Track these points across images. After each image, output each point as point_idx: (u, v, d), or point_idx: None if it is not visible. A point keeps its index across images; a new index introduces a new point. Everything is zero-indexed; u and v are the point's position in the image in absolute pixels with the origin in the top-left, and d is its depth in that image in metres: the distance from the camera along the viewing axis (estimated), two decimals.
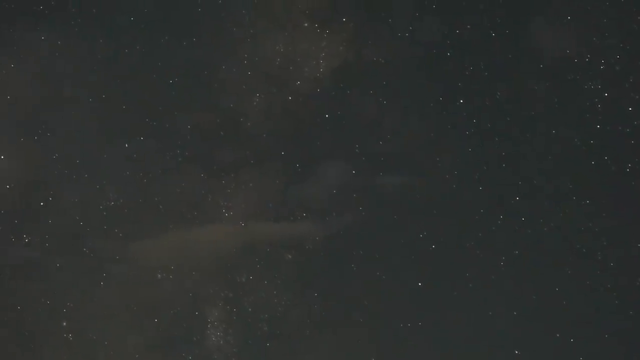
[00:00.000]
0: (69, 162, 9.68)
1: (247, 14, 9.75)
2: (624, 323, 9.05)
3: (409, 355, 9.51)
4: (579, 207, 9.34)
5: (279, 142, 9.85)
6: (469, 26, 9.66)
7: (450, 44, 9.68)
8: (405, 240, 9.64)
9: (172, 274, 9.69)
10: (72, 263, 9.64)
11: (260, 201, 9.84)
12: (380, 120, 9.80)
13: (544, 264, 9.36)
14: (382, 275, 9.63)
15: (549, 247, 9.36)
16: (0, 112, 9.58)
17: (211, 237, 9.74)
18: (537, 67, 9.54)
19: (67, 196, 9.66)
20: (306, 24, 9.77)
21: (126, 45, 9.74)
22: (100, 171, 9.74)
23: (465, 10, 9.66)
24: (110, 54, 9.74)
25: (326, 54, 9.77)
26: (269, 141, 9.85)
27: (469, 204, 9.57)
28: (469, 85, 9.65)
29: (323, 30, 9.76)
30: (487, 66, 9.62)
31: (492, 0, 9.68)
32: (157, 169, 9.82)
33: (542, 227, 9.37)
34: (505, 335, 9.33)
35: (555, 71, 9.52)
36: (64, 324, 9.51)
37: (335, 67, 9.78)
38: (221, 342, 9.65)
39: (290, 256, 9.74)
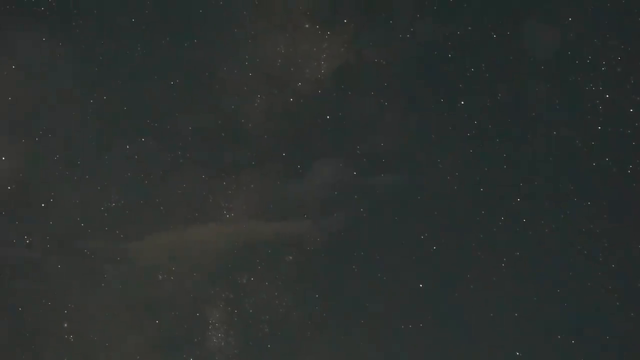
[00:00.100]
0: (70, 163, 9.69)
1: (248, 15, 9.77)
2: (624, 324, 9.06)
3: (409, 356, 9.52)
4: (580, 209, 9.34)
5: (280, 143, 9.86)
6: (469, 27, 9.67)
7: (451, 45, 9.69)
8: (406, 241, 9.65)
9: (173, 275, 9.70)
10: (73, 264, 9.65)
11: (261, 202, 9.86)
12: (381, 121, 9.81)
13: (544, 265, 9.37)
14: (383, 276, 9.64)
15: (549, 248, 9.37)
16: (1, 112, 9.58)
17: (212, 238, 9.74)
18: (538, 68, 9.55)
19: (68, 197, 9.65)
20: (307, 25, 9.78)
21: (127, 47, 9.75)
22: (101, 172, 9.75)
23: (466, 12, 9.66)
24: (111, 55, 9.74)
25: (327, 55, 9.78)
26: (270, 142, 9.87)
27: (470, 205, 9.58)
28: (470, 86, 9.66)
29: (324, 31, 9.78)
30: (488, 67, 9.63)
31: (493, 1, 9.69)
32: (158, 169, 9.83)
33: (543, 228, 9.39)
34: (506, 336, 9.34)
35: (556, 72, 9.52)
36: (65, 324, 9.52)
37: (336, 68, 9.81)
38: (222, 343, 9.66)
39: (291, 257, 9.75)
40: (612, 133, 9.29)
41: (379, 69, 9.77)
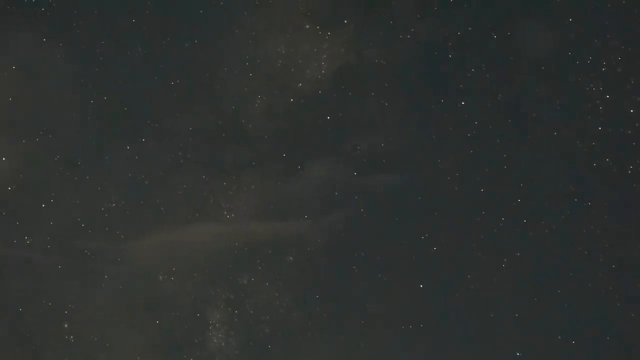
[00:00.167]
0: (70, 164, 9.67)
1: (248, 16, 9.76)
2: (625, 325, 9.07)
3: (410, 357, 9.52)
4: (580, 209, 9.35)
5: (281, 144, 9.85)
6: (470, 28, 9.67)
7: (452, 45, 9.69)
8: (407, 242, 9.65)
9: (174, 275, 9.69)
10: (73, 264, 9.63)
11: (262, 203, 9.85)
12: (382, 121, 9.81)
13: (545, 266, 9.37)
14: (383, 277, 9.64)
15: (550, 248, 9.37)
16: (1, 112, 9.57)
17: (213, 239, 9.74)
18: (538, 68, 9.55)
19: (68, 197, 9.65)
20: (307, 26, 9.77)
21: (127, 47, 9.74)
22: (102, 172, 9.74)
23: (466, 12, 9.66)
24: (112, 55, 9.73)
25: (327, 56, 9.78)
26: (270, 142, 9.86)
27: (471, 205, 9.58)
28: (470, 86, 9.66)
29: (324, 32, 9.77)
30: (489, 68, 9.63)
31: (493, 1, 9.69)
32: (159, 170, 9.82)
33: (543, 229, 9.38)
34: (506, 336, 9.34)
35: (556, 73, 9.53)
36: (65, 325, 9.51)
37: (336, 68, 9.80)
38: (222, 344, 9.66)
39: (291, 258, 9.75)
40: (613, 134, 9.30)
41: (379, 70, 9.77)
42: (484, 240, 9.49)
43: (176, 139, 9.77)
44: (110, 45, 9.76)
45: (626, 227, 9.20)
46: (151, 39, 9.75)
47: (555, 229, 9.36)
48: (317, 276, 9.80)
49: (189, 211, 9.77)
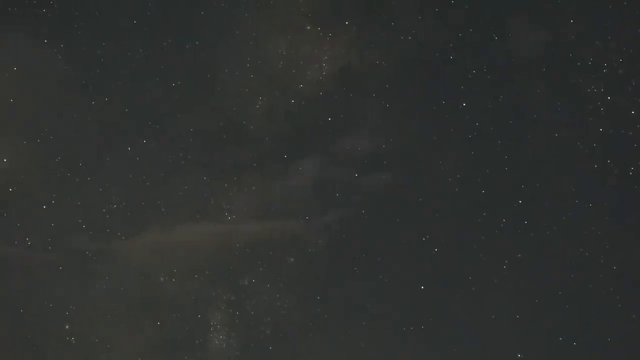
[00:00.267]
0: (71, 165, 9.69)
1: (249, 17, 9.77)
2: (626, 326, 9.07)
3: (410, 358, 9.52)
4: (581, 210, 9.34)
5: (282, 145, 9.87)
6: (471, 29, 9.67)
7: (453, 46, 9.69)
8: (408, 243, 9.65)
9: (174, 276, 9.70)
10: (74, 265, 9.65)
11: (263, 203, 9.85)
12: (383, 122, 9.81)
13: (546, 267, 9.37)
14: (384, 278, 9.64)
15: (551, 250, 9.37)
16: (2, 114, 9.58)
17: (213, 240, 9.75)
18: (539, 69, 9.55)
19: (69, 198, 9.66)
20: (308, 27, 9.78)
21: (129, 48, 9.75)
22: (103, 174, 9.75)
23: (467, 13, 9.66)
24: (113, 57, 9.74)
25: (329, 57, 9.78)
26: (271, 143, 9.87)
27: (471, 206, 9.58)
28: (471, 87, 9.66)
29: (325, 33, 9.77)
30: (490, 69, 9.63)
31: (494, 2, 9.69)
32: (160, 171, 9.83)
33: (544, 230, 9.38)
34: (508, 338, 9.34)
35: (557, 74, 9.52)
36: (67, 326, 9.52)
37: (337, 70, 9.81)
38: (223, 345, 9.66)
39: (292, 259, 9.76)
40: (614, 135, 9.30)
41: (380, 71, 9.78)
42: (484, 242, 9.50)
43: (177, 140, 9.80)
44: (111, 47, 9.78)
45: (627, 228, 9.20)
46: (152, 40, 9.77)
47: (556, 230, 9.36)
48: (318, 277, 9.81)
49: (190, 212, 9.79)
